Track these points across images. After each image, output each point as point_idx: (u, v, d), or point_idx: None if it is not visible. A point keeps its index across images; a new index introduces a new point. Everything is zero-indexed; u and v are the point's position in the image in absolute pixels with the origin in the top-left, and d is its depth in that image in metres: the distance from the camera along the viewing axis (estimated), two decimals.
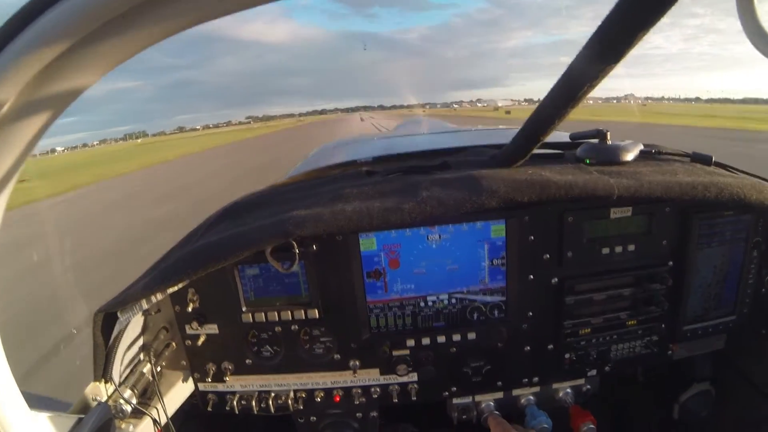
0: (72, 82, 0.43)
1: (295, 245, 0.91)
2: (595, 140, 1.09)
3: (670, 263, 1.03)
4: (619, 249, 1.01)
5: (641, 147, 1.09)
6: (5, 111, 0.42)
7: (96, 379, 0.90)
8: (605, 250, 1.01)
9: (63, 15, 0.37)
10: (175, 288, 0.90)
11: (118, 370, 0.92)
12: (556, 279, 1.02)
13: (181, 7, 0.38)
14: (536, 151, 1.00)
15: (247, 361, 1.04)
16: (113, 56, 0.42)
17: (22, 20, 0.38)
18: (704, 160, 1.09)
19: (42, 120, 0.46)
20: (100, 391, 0.91)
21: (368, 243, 0.98)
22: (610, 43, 0.66)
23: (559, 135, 1.03)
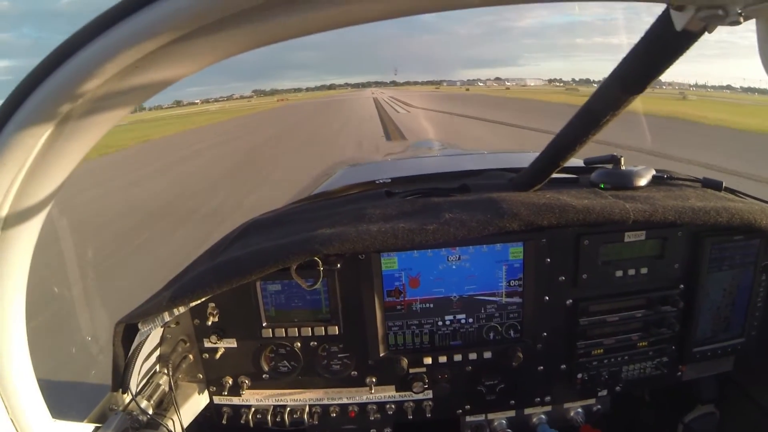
0: (165, 73, 0.47)
1: (320, 263, 0.92)
2: (609, 165, 1.12)
3: (682, 286, 1.06)
4: (632, 272, 1.03)
5: (653, 172, 1.12)
6: (96, 93, 0.45)
7: (114, 389, 0.90)
8: (619, 273, 1.03)
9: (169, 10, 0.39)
10: (198, 302, 0.90)
11: (135, 380, 0.92)
12: (570, 300, 1.03)
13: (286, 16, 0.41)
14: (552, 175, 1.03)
15: (264, 375, 1.04)
16: (203, 58, 0.45)
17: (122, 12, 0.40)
18: (715, 185, 1.12)
19: (123, 108, 0.51)
20: (117, 401, 0.91)
21: (390, 262, 0.99)
22: (635, 76, 0.69)
23: (573, 160, 1.06)
